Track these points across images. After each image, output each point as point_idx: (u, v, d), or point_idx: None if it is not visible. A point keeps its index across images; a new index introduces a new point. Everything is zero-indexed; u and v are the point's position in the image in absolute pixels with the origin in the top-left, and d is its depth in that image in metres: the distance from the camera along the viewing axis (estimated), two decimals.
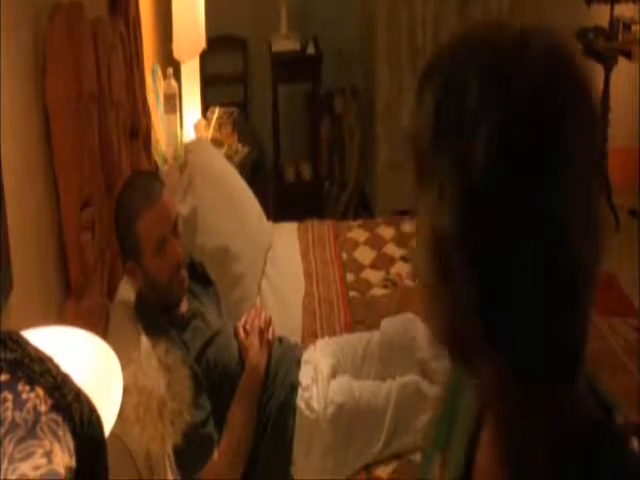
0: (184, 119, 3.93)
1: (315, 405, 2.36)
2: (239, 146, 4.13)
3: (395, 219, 3.79)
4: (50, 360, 0.86)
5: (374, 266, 3.36)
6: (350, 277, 3.29)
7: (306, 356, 2.55)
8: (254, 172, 4.31)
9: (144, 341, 2.22)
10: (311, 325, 2.97)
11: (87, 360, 1.32)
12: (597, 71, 4.35)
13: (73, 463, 0.81)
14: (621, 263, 3.65)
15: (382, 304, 3.04)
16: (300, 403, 2.37)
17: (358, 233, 3.61)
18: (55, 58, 2.01)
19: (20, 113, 1.85)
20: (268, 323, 2.55)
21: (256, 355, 2.43)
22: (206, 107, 4.22)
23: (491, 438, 0.83)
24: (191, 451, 2.17)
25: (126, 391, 1.44)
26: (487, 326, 0.72)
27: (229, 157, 3.82)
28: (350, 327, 2.93)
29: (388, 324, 2.67)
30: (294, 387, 2.41)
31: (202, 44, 3.96)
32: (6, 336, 0.85)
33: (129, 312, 2.38)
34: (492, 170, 0.68)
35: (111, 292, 2.45)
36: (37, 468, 0.77)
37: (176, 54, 3.87)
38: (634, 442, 0.81)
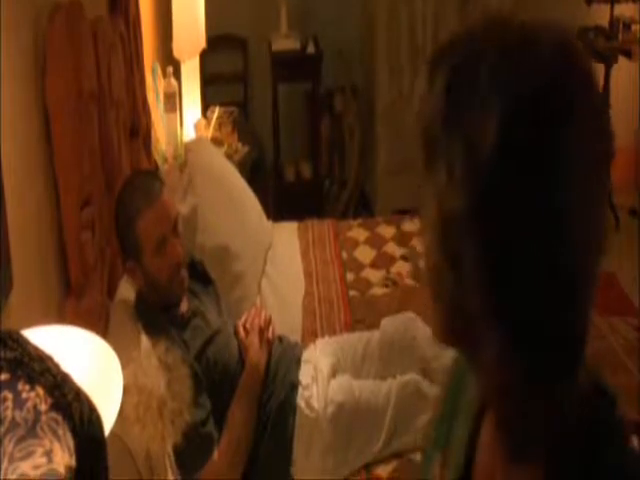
0: (184, 118, 3.93)
1: (315, 404, 2.36)
2: (239, 145, 4.13)
3: (395, 218, 3.79)
4: (50, 359, 0.86)
5: (374, 265, 3.36)
6: (350, 276, 3.29)
7: (306, 355, 2.55)
8: (254, 171, 4.31)
9: (144, 340, 2.22)
10: (311, 324, 2.97)
11: (87, 359, 1.32)
12: (597, 70, 4.34)
13: (73, 462, 0.81)
14: (621, 262, 3.65)
15: (382, 303, 3.04)
16: (300, 402, 2.37)
17: (358, 232, 3.60)
18: (55, 58, 2.01)
19: (20, 113, 1.85)
20: (268, 322, 2.55)
21: (256, 354, 2.43)
22: (206, 106, 4.22)
23: (491, 437, 0.83)
24: (191, 450, 2.17)
25: (126, 390, 1.44)
26: (490, 304, 0.73)
27: (229, 156, 3.82)
28: (350, 326, 2.93)
29: (388, 323, 2.67)
30: (294, 386, 2.41)
31: (202, 43, 3.96)
32: (6, 335, 0.85)
33: (129, 311, 2.38)
34: (501, 150, 0.69)
35: (111, 291, 2.45)
36: (37, 467, 0.77)
37: (176, 53, 3.86)
38: (634, 441, 0.82)
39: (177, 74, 3.81)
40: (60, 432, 0.81)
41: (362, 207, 4.95)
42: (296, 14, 4.75)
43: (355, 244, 3.51)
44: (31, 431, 0.79)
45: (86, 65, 2.18)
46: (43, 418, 0.80)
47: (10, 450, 0.77)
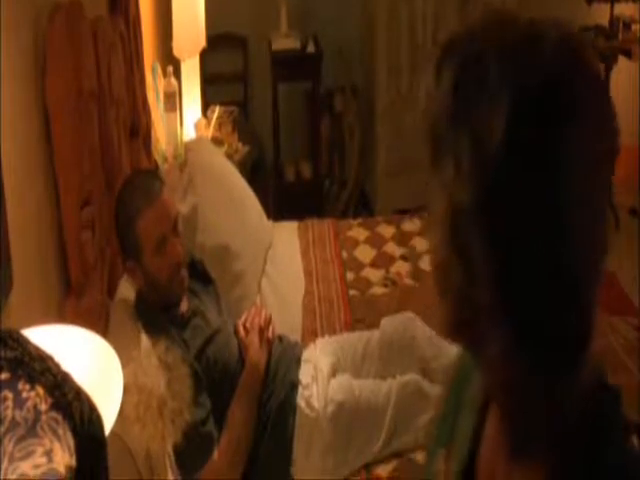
0: (184, 117, 3.93)
1: (315, 404, 2.36)
2: (239, 145, 4.13)
3: (395, 218, 3.80)
4: (50, 359, 0.86)
5: (374, 265, 3.36)
6: (350, 276, 3.29)
7: (306, 355, 2.55)
8: (254, 171, 4.31)
9: (144, 339, 2.22)
10: (311, 324, 2.97)
11: (87, 359, 1.32)
12: None
13: (73, 462, 0.81)
14: (621, 262, 3.65)
15: (382, 303, 3.04)
16: (300, 402, 2.37)
17: (358, 232, 3.61)
18: (55, 58, 2.01)
19: (20, 113, 1.85)
20: (268, 321, 2.55)
21: (256, 353, 2.43)
22: (206, 106, 4.21)
23: (496, 430, 0.84)
24: (191, 450, 2.17)
25: (126, 390, 1.44)
26: (496, 299, 0.73)
27: (229, 156, 3.82)
28: (350, 326, 2.93)
29: (388, 323, 2.67)
30: (294, 386, 2.41)
31: (202, 42, 3.96)
32: (6, 334, 0.85)
33: (129, 310, 2.38)
34: (509, 145, 0.70)
35: (111, 290, 2.45)
36: (37, 467, 0.77)
37: (176, 52, 3.86)
38: (634, 440, 0.82)
39: (177, 73, 3.81)
40: (60, 432, 0.81)
41: (362, 207, 4.95)
42: (296, 13, 4.75)
43: (355, 244, 3.51)
44: (31, 431, 0.79)
45: (86, 65, 2.18)
46: (43, 418, 0.80)
47: (10, 450, 0.77)
